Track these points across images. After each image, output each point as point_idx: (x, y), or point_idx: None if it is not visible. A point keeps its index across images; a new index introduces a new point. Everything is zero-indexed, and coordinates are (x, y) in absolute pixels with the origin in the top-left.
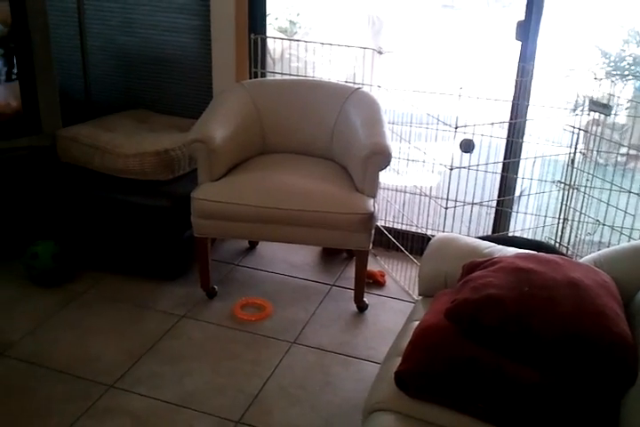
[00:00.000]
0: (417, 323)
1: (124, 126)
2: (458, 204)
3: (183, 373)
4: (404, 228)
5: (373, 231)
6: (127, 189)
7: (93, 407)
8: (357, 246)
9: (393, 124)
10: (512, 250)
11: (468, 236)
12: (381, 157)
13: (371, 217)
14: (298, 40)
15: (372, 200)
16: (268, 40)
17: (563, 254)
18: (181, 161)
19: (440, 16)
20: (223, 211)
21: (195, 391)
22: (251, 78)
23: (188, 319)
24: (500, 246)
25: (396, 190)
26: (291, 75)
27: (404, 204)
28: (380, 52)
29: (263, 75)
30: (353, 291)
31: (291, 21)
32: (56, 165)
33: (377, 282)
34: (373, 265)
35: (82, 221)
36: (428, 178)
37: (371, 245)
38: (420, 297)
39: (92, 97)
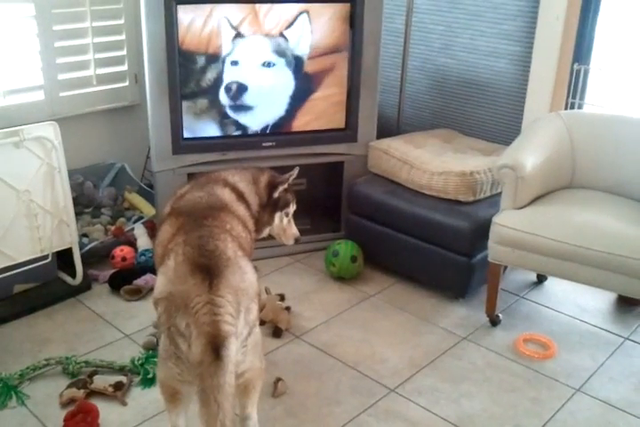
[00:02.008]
0: None
1: (431, 144)
2: None
3: (462, 394)
4: None
5: None
6: (428, 205)
7: (375, 406)
8: None
9: None
10: None
11: None
12: None
13: None
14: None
15: None
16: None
17: None
18: (484, 184)
19: None
20: (524, 241)
21: (472, 415)
22: (566, 109)
23: (469, 342)
24: None
25: None
26: (612, 108)
27: None
28: None
29: (580, 106)
30: None
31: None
32: (365, 172)
33: None
34: None
35: (382, 227)
36: None
37: None
38: None
39: (403, 113)
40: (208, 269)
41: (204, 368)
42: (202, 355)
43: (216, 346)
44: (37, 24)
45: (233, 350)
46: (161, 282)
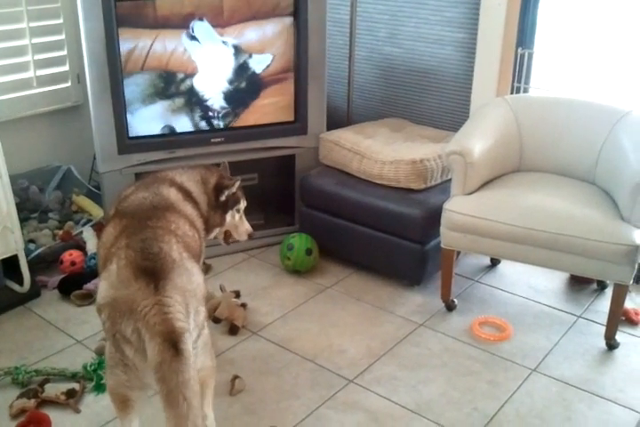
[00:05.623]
0: None
1: (381, 134)
2: None
3: (420, 380)
4: None
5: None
6: (380, 195)
7: (333, 398)
8: (616, 280)
9: None
10: None
11: None
12: None
13: (637, 250)
14: (577, 58)
15: (639, 231)
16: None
17: None
18: (435, 171)
19: None
20: (475, 225)
21: (430, 401)
22: (512, 93)
23: (426, 328)
24: None
25: None
26: (556, 91)
27: None
28: None
29: (526, 90)
30: (602, 326)
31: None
32: (317, 164)
33: (629, 320)
34: (626, 302)
35: (336, 219)
36: None
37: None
38: None
39: (352, 103)
40: (153, 273)
41: (166, 368)
42: (160, 354)
43: (173, 342)
44: None
45: (190, 345)
46: (103, 287)
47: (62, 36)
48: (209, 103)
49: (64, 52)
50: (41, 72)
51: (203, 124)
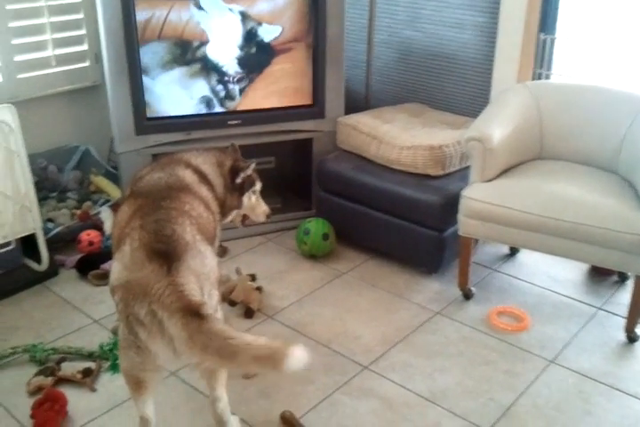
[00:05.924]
0: None
1: (400, 119)
2: None
3: (435, 368)
4: None
5: None
6: (398, 180)
7: (348, 384)
8: (637, 271)
9: None
10: None
11: None
12: None
13: None
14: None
15: None
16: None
17: None
18: (453, 158)
19: None
20: (493, 213)
21: (445, 390)
22: (533, 80)
23: (443, 317)
24: None
25: None
26: (579, 78)
27: None
28: None
29: (547, 77)
30: (623, 318)
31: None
32: (334, 149)
33: None
34: None
35: (353, 204)
36: None
37: None
38: None
39: (371, 88)
40: (166, 255)
41: (198, 335)
42: (186, 328)
43: (194, 311)
44: None
45: (212, 313)
46: (117, 269)
47: (81, 15)
48: (224, 69)
49: (83, 32)
50: (59, 51)
51: (219, 88)
